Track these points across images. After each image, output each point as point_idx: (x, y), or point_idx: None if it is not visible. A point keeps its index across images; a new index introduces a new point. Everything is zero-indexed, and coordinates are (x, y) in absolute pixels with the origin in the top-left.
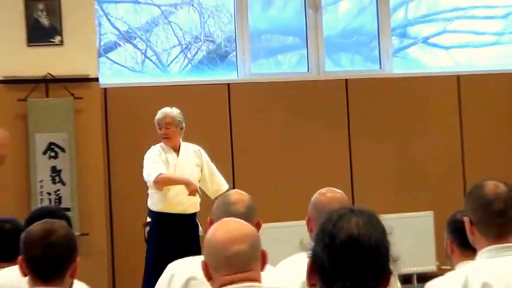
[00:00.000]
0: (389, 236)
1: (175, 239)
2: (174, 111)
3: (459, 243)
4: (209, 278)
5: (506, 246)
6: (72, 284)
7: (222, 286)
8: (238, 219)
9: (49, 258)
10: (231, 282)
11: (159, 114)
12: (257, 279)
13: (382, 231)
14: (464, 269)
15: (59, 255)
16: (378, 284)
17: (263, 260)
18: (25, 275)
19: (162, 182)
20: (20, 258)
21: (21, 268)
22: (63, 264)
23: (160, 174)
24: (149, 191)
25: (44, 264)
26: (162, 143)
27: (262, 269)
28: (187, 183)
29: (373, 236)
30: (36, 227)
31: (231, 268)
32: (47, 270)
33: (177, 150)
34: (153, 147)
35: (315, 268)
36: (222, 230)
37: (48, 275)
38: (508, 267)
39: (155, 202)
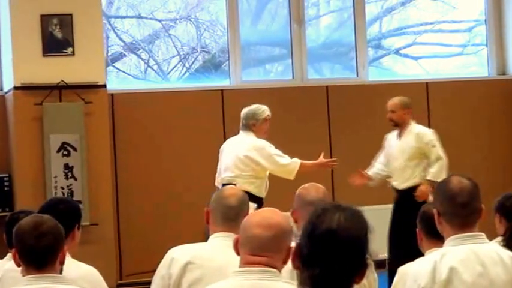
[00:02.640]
0: (370, 234)
1: None
2: None
3: (426, 232)
4: (237, 253)
5: (470, 235)
6: (61, 269)
7: (242, 265)
8: (278, 211)
9: (41, 246)
10: (249, 263)
11: (268, 111)
12: (272, 266)
13: (361, 228)
14: (433, 255)
15: (50, 243)
16: (349, 275)
17: (287, 254)
18: (18, 266)
19: (303, 169)
20: (13, 250)
21: (14, 259)
22: (54, 252)
23: (300, 162)
24: (251, 180)
25: (37, 253)
26: (256, 136)
27: (284, 262)
28: (319, 165)
29: (351, 232)
30: (26, 220)
31: (250, 248)
32: (40, 258)
33: None
34: (258, 140)
35: (298, 253)
36: (259, 214)
37: (41, 263)
38: (472, 254)
39: (263, 190)
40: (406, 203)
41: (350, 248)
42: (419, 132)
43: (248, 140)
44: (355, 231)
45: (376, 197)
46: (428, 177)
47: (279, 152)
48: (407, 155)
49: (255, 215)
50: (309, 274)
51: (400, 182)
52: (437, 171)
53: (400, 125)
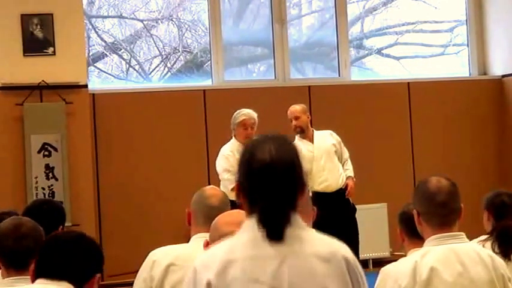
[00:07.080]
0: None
1: None
2: (255, 114)
3: (407, 232)
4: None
5: (450, 235)
6: None
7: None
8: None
9: (21, 248)
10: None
11: (245, 115)
12: None
13: (293, 154)
14: (414, 255)
15: (30, 244)
16: (291, 198)
17: None
18: None
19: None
20: None
21: None
22: (34, 253)
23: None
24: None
25: (17, 254)
26: (234, 142)
27: None
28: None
29: (285, 160)
30: (6, 222)
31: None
32: (20, 259)
33: None
34: (225, 148)
35: (240, 189)
36: (229, 214)
37: (21, 265)
38: (452, 254)
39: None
40: (342, 203)
41: (287, 175)
42: (331, 132)
43: (223, 146)
44: (289, 158)
45: (357, 197)
46: (351, 174)
47: (227, 169)
48: (333, 154)
49: (224, 215)
50: (254, 206)
51: (333, 182)
52: (352, 168)
53: (304, 130)
